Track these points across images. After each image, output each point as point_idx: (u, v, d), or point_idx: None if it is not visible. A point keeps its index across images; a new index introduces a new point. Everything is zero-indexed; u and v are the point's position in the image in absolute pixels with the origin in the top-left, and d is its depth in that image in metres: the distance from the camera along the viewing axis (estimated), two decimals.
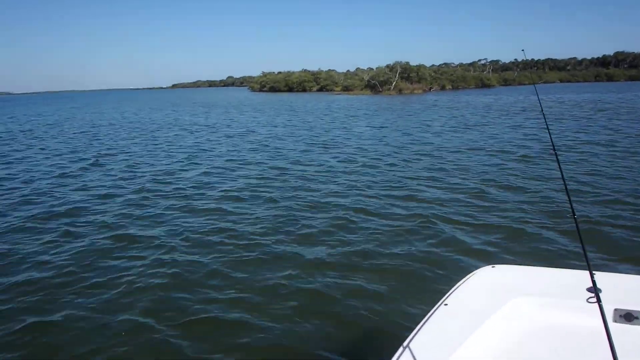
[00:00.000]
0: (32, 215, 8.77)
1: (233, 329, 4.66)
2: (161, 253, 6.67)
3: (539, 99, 4.49)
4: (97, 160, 15.31)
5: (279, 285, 5.57)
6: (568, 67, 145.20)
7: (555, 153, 3.21)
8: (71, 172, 13.37)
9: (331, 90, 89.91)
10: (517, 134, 19.52)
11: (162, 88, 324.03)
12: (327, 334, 4.53)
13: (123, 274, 5.99)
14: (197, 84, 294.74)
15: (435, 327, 2.25)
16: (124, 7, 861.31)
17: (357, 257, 6.31)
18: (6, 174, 13.37)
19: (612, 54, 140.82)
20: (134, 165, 14.27)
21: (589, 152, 14.25)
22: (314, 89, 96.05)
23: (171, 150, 17.54)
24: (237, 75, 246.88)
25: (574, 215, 2.43)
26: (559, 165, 3.01)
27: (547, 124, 3.85)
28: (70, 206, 9.45)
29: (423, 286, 5.33)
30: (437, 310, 2.41)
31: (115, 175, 12.71)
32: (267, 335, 4.51)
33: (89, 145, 19.80)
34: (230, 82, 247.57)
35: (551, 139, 3.51)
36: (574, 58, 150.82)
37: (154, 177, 12.24)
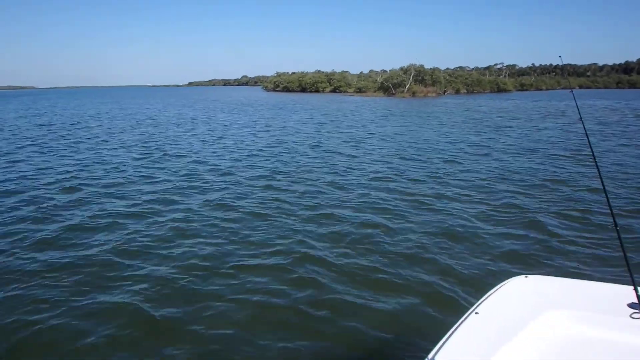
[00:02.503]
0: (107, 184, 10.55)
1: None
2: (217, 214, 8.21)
3: (577, 105, 4.36)
4: (149, 150, 16.19)
5: (300, 274, 5.67)
6: (588, 73, 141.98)
7: (595, 162, 3.07)
8: (128, 161, 14.14)
9: (344, 92, 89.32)
10: (551, 139, 19.01)
11: (178, 85, 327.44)
12: (350, 340, 4.31)
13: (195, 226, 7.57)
14: (212, 82, 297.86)
15: (465, 337, 2.13)
16: (143, 7, 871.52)
17: (384, 258, 6.07)
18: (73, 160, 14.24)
19: (635, 60, 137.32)
20: (183, 155, 15.11)
21: (630, 160, 13.55)
22: (327, 89, 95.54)
23: (216, 143, 18.26)
24: (251, 74, 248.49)
25: (616, 226, 2.30)
26: (599, 173, 2.89)
27: (586, 131, 3.69)
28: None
29: (452, 293, 5.11)
30: (467, 319, 2.29)
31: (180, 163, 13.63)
32: (282, 332, 4.45)
33: (136, 137, 20.25)
34: (244, 82, 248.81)
35: (590, 147, 3.33)
36: (595, 64, 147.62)
37: (209, 166, 13.04)
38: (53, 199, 9.30)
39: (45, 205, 8.77)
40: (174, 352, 4.12)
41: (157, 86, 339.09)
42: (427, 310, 4.78)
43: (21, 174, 11.92)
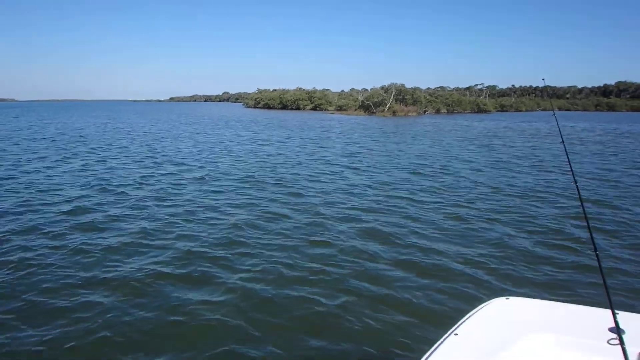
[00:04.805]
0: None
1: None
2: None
3: (558, 126, 4.35)
4: (163, 161, 16.67)
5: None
6: (567, 95, 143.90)
7: (577, 185, 3.09)
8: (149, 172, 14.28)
9: (325, 110, 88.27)
10: (535, 157, 19.04)
11: (159, 100, 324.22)
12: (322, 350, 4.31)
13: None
14: (193, 98, 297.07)
15: (444, 358, 2.11)
16: (125, 20, 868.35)
17: (364, 276, 6.05)
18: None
19: (613, 83, 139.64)
20: (182, 164, 15.96)
21: (612, 185, 13.06)
22: (308, 107, 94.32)
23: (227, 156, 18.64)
24: (232, 91, 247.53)
25: (596, 251, 2.31)
26: (580, 197, 2.89)
27: (567, 155, 3.65)
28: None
29: (431, 314, 5.04)
30: (446, 340, 2.27)
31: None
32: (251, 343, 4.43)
33: (152, 150, 20.42)
34: (225, 98, 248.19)
35: (572, 170, 3.32)
36: (574, 86, 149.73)
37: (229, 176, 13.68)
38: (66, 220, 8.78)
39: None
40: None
41: (139, 101, 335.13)
42: (405, 328, 4.70)
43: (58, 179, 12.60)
